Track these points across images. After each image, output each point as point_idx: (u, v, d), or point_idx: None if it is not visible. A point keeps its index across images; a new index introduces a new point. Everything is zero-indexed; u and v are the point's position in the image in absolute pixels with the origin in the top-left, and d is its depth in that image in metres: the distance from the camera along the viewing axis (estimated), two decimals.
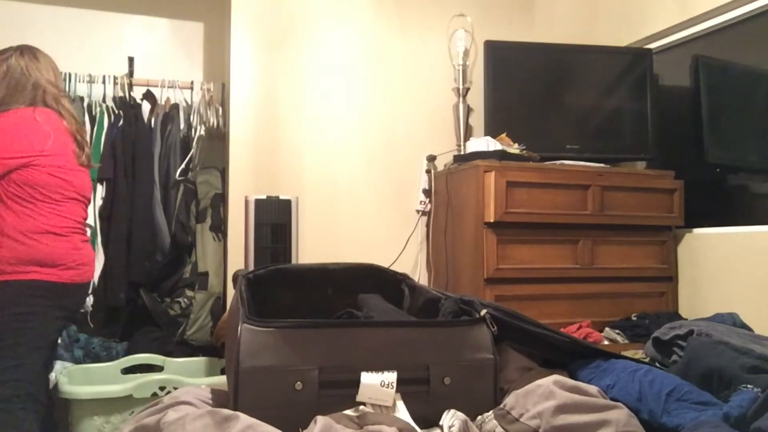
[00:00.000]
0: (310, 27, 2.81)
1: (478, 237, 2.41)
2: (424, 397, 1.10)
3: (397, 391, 1.08)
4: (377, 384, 1.07)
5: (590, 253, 2.51)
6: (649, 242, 2.61)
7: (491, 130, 2.70)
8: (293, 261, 2.53)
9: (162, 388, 2.19)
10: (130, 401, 2.15)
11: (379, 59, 2.90)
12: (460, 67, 2.92)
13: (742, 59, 2.64)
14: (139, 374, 2.44)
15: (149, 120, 2.80)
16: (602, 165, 2.63)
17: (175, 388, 1.92)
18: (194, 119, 2.85)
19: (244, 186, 2.64)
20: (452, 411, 1.06)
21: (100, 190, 2.58)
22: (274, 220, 2.51)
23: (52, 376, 2.31)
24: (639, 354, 1.68)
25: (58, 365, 2.39)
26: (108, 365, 2.47)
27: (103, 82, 2.76)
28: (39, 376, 1.92)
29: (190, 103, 2.90)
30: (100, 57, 2.93)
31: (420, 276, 2.85)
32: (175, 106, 2.85)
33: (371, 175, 2.85)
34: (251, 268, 2.42)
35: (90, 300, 2.52)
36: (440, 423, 1.04)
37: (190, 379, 2.30)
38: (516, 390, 1.09)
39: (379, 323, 1.22)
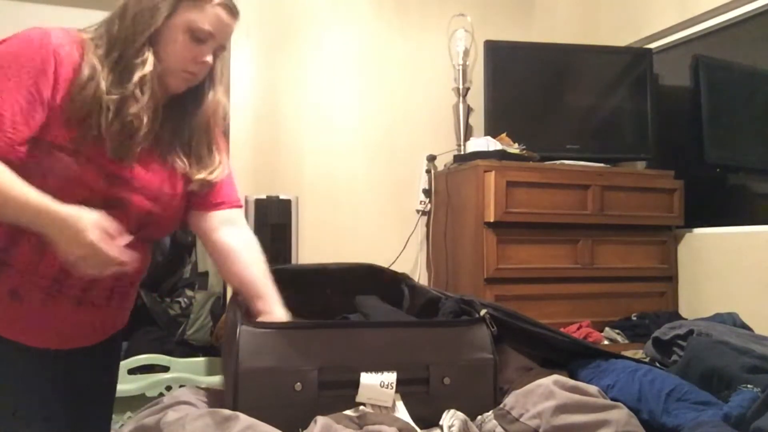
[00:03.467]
0: (311, 27, 2.80)
1: (478, 237, 2.41)
2: (424, 397, 1.10)
3: (396, 391, 1.08)
4: (377, 384, 1.07)
5: (590, 253, 2.51)
6: (649, 242, 2.61)
7: (491, 130, 2.70)
8: (293, 261, 2.52)
9: (168, 388, 2.19)
10: (142, 400, 2.15)
11: (379, 59, 2.90)
12: (460, 67, 2.92)
13: (742, 59, 2.64)
14: (142, 374, 2.44)
15: None
16: (602, 165, 2.63)
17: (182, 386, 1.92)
18: None
19: (244, 186, 2.63)
20: (452, 411, 1.06)
21: None
22: (274, 220, 2.51)
23: None
24: (639, 354, 1.68)
25: None
26: None
27: None
28: None
29: None
30: None
31: (420, 276, 2.85)
32: None
33: (371, 175, 2.85)
34: None
35: None
36: (440, 423, 1.04)
37: (200, 377, 2.30)
38: (516, 390, 1.09)
39: (379, 323, 1.22)
